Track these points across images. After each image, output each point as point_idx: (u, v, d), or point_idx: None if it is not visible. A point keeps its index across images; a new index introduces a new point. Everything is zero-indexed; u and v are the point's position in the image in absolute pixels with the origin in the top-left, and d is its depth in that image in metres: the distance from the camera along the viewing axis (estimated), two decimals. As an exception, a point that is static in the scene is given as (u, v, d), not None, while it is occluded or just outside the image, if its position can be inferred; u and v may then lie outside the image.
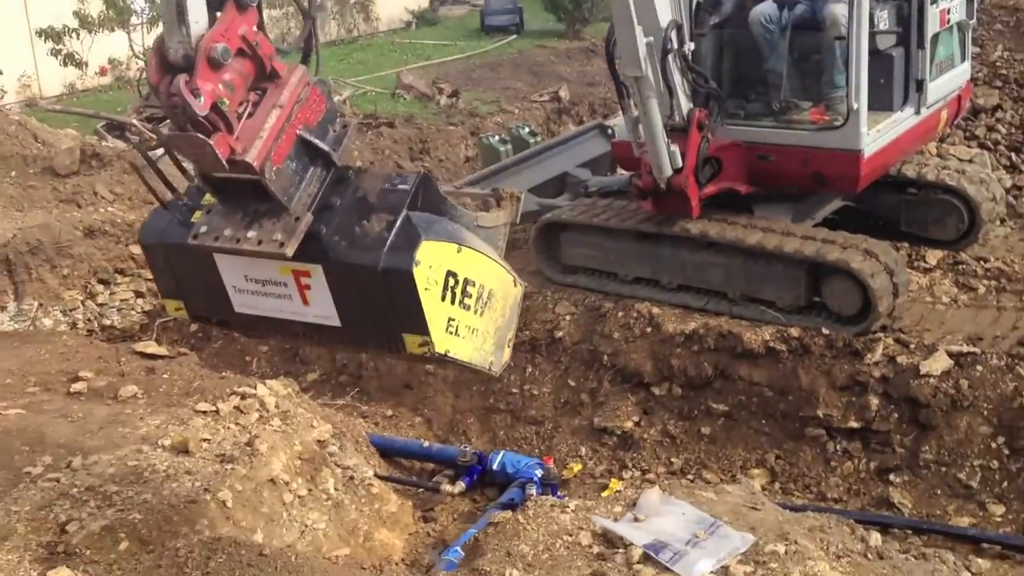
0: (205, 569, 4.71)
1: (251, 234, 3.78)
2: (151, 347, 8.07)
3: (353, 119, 4.14)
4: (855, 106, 7.39)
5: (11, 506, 5.39)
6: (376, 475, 7.00)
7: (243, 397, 6.75)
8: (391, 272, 3.72)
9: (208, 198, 4.02)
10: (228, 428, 6.35)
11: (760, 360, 7.45)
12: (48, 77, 18.33)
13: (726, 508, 5.67)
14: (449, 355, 3.97)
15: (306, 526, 6.03)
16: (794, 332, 7.41)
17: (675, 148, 7.40)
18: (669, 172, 7.43)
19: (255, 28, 3.69)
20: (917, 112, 8.25)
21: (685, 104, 7.46)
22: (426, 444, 7.65)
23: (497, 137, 12.21)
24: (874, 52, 7.62)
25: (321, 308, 3.98)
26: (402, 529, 6.67)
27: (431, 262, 3.78)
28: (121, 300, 10.27)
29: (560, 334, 8.22)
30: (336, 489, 6.44)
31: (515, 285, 4.40)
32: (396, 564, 6.20)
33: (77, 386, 7.10)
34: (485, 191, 4.57)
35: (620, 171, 9.87)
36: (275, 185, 3.71)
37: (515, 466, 7.10)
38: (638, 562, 5.19)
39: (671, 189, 7.54)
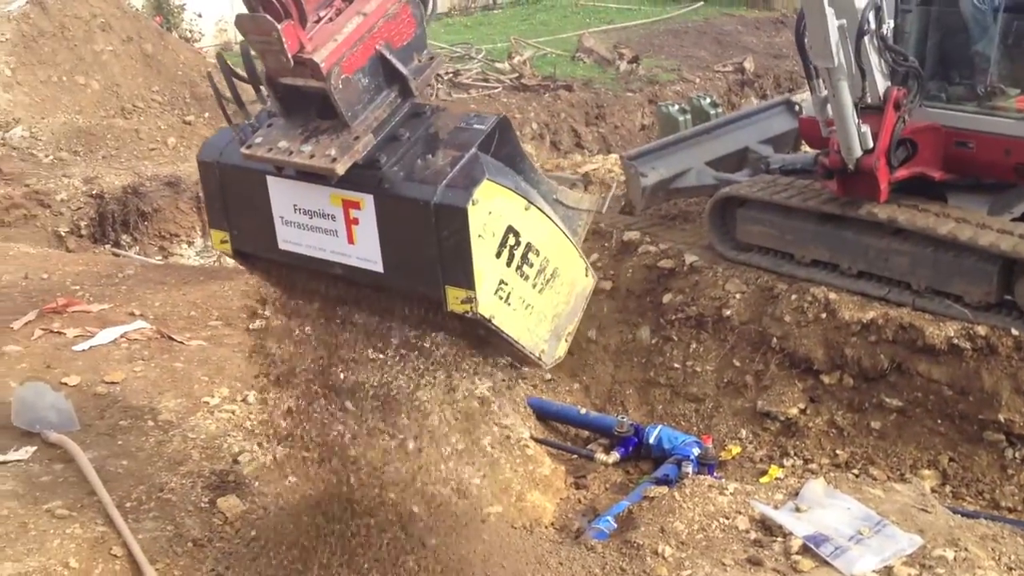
0: (365, 504, 4.83)
1: (305, 148, 3.55)
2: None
3: (440, 53, 3.83)
4: (1067, 95, 6.93)
5: (188, 433, 5.69)
6: (532, 437, 7.05)
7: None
8: (444, 209, 3.43)
9: None
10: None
11: (941, 356, 7.09)
12: (244, 23, 19.08)
13: (894, 507, 5.48)
14: (493, 322, 3.66)
15: (461, 480, 6.13)
16: (981, 330, 7.01)
17: (866, 129, 7.09)
18: (859, 153, 7.13)
19: None
20: None
21: (881, 84, 7.12)
22: (583, 411, 7.66)
23: (676, 107, 11.93)
24: (1092, 40, 7.10)
25: (366, 249, 3.72)
26: (554, 493, 6.70)
27: (491, 207, 3.47)
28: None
29: (728, 312, 8.03)
30: (492, 447, 6.50)
31: (586, 275, 4.08)
32: (546, 527, 6.23)
33: (257, 323, 7.39)
34: (575, 176, 4.27)
35: (804, 149, 9.54)
36: (340, 96, 3.44)
37: (672, 442, 7.02)
38: (796, 553, 5.08)
39: (860, 170, 7.23)
